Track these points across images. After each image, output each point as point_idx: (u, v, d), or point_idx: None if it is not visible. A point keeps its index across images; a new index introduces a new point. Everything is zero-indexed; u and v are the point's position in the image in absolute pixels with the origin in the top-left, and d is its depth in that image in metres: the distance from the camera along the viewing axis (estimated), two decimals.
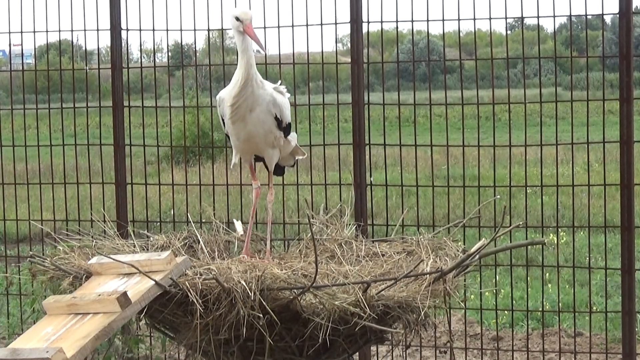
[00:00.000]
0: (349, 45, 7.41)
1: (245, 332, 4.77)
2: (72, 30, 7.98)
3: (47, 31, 7.99)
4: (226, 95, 5.57)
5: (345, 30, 7.37)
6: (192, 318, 4.88)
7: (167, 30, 7.73)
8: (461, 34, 7.85)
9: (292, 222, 7.98)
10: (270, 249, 5.89)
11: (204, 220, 6.43)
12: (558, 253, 8.58)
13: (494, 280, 8.46)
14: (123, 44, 7.84)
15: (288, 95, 5.77)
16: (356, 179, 7.33)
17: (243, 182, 7.76)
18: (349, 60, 7.34)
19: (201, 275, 4.93)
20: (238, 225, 6.22)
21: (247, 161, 5.86)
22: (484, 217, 8.92)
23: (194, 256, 5.69)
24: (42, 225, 7.32)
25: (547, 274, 9.67)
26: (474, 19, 7.32)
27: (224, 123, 5.68)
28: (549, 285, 9.94)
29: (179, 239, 5.83)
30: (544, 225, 7.96)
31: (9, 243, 11.24)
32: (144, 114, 7.94)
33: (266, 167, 5.91)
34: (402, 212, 6.73)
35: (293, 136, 5.95)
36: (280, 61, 7.73)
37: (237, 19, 5.53)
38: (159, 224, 8.01)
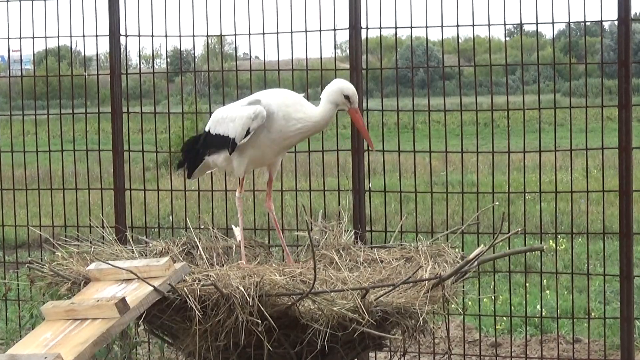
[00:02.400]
0: (347, 51, 7.42)
1: (244, 338, 4.78)
2: (71, 36, 7.99)
3: (46, 37, 8.00)
4: (297, 123, 5.51)
5: (344, 36, 7.39)
6: (190, 324, 4.88)
7: (166, 36, 7.74)
8: (460, 40, 7.85)
9: (290, 229, 7.98)
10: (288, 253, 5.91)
11: (202, 226, 6.42)
12: (557, 259, 8.60)
13: (492, 287, 8.45)
14: (122, 50, 7.84)
15: None
16: (355, 185, 7.33)
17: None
18: (348, 66, 7.34)
19: (200, 281, 4.93)
20: (237, 231, 6.22)
21: (245, 173, 5.82)
22: (483, 223, 8.92)
23: (193, 262, 5.69)
24: (40, 231, 7.31)
25: (546, 280, 9.65)
26: (473, 25, 7.33)
27: (246, 134, 5.56)
28: (548, 292, 9.94)
29: (177, 245, 5.83)
30: (543, 232, 7.97)
31: (8, 249, 11.23)
32: (143, 120, 7.95)
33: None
34: (401, 219, 6.73)
35: None
36: (279, 67, 7.73)
37: (347, 97, 5.50)
38: (157, 229, 8.01)
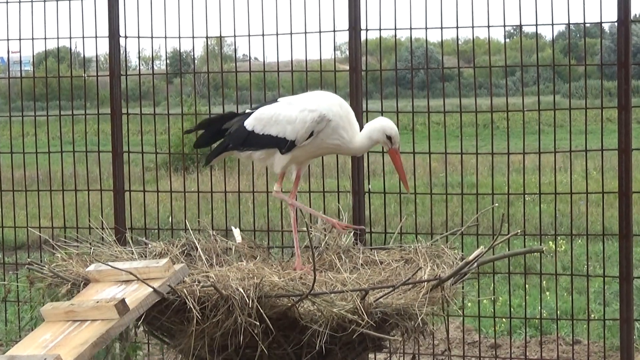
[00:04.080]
0: (347, 52, 7.41)
1: (243, 339, 4.77)
2: (70, 38, 7.99)
3: (45, 38, 7.99)
4: (342, 141, 5.66)
5: (343, 37, 7.38)
6: (189, 325, 4.88)
7: (166, 37, 7.74)
8: (459, 42, 7.84)
9: (290, 230, 7.97)
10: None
11: (201, 228, 6.42)
12: (556, 261, 8.58)
13: (491, 288, 8.45)
14: (121, 51, 7.84)
15: None
16: (354, 186, 7.33)
17: (241, 190, 7.76)
18: (347, 67, 7.34)
19: (199, 282, 4.93)
20: (236, 233, 6.22)
21: (284, 169, 5.86)
22: (482, 224, 8.92)
23: (192, 263, 5.69)
24: (40, 232, 7.31)
25: (545, 282, 9.66)
26: (472, 27, 7.32)
27: (309, 137, 5.63)
28: (547, 293, 9.94)
29: (177, 247, 5.83)
30: (542, 233, 7.96)
31: (7, 250, 11.24)
32: (142, 121, 7.94)
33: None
34: (400, 220, 6.73)
35: None
36: (278, 69, 7.73)
37: (389, 138, 5.65)
38: (157, 231, 8.01)
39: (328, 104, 5.62)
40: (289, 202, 5.87)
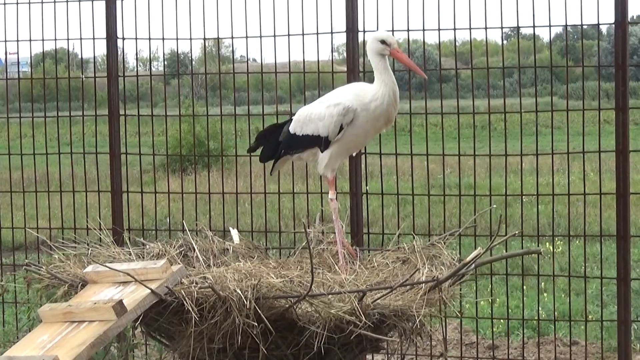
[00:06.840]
0: (345, 54, 7.42)
1: (241, 340, 4.77)
2: (68, 39, 7.99)
3: (43, 40, 7.99)
4: (371, 107, 5.68)
5: (341, 39, 7.39)
6: (187, 326, 4.88)
7: (163, 39, 7.74)
8: (457, 43, 7.85)
9: (288, 231, 7.98)
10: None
11: (199, 229, 6.43)
12: (554, 262, 8.58)
13: (489, 289, 8.46)
14: (119, 53, 7.84)
15: None
16: (352, 188, 7.33)
17: (239, 191, 7.76)
18: (345, 69, 7.34)
19: (197, 283, 4.93)
20: (234, 233, 6.22)
21: (331, 166, 5.90)
22: (480, 226, 8.92)
23: (190, 264, 5.69)
24: (37, 233, 7.30)
25: (543, 283, 9.66)
26: (470, 29, 7.33)
27: (340, 130, 5.71)
28: (545, 294, 9.94)
29: (174, 248, 5.83)
30: (540, 235, 7.96)
31: (5, 251, 11.20)
32: (140, 122, 7.95)
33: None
34: (398, 221, 6.73)
35: None
36: (276, 70, 7.73)
37: (383, 42, 5.70)
38: (154, 232, 8.01)
39: (351, 94, 5.71)
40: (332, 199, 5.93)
